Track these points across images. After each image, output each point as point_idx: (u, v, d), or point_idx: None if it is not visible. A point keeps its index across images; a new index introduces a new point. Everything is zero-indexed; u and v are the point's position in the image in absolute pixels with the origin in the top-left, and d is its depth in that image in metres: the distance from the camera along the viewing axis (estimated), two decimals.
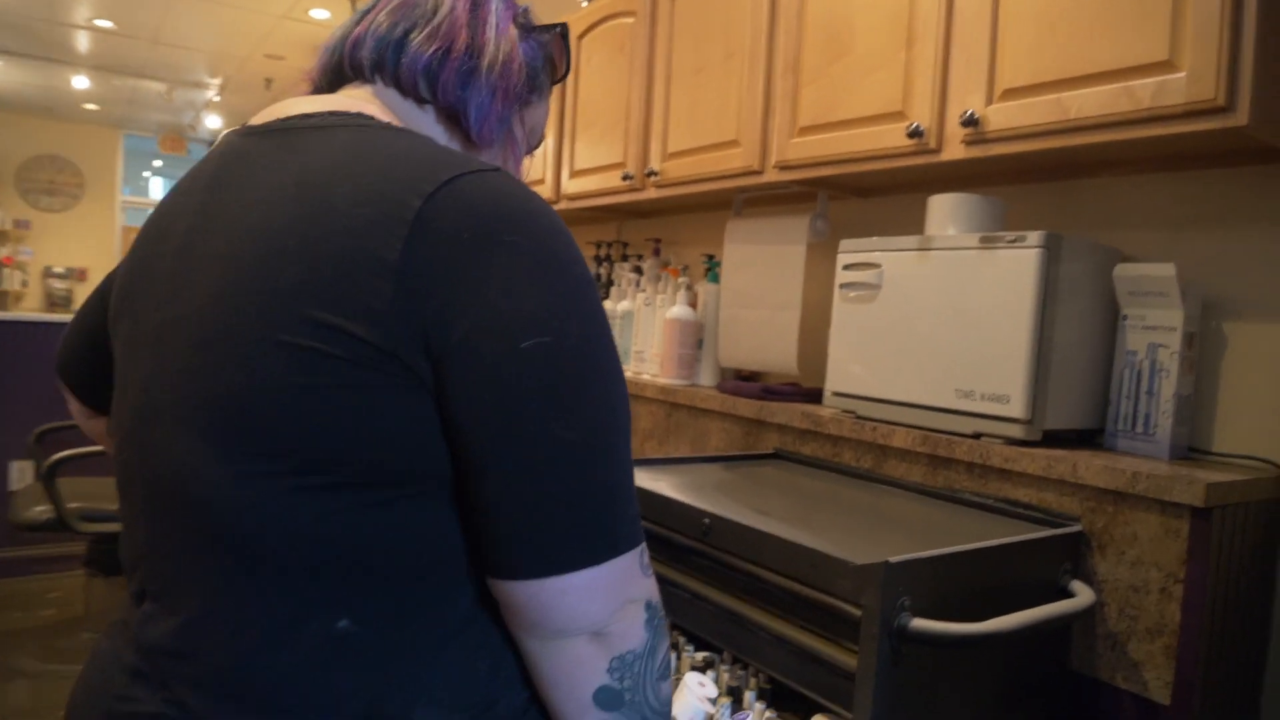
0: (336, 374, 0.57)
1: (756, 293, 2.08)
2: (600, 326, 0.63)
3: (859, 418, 1.64)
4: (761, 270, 2.07)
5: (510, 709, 0.65)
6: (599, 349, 0.62)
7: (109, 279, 0.86)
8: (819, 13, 1.71)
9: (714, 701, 1.16)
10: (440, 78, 0.75)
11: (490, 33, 0.77)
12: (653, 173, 2.17)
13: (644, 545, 0.65)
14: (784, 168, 1.81)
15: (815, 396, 1.93)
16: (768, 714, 1.17)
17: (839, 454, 1.67)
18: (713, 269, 2.27)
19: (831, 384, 1.70)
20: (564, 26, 0.86)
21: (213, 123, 8.57)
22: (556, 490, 0.59)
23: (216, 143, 0.74)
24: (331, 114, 0.69)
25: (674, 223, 2.64)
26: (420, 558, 0.61)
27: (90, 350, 0.86)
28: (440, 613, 0.63)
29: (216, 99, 7.59)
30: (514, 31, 0.80)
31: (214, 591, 0.61)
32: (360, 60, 0.76)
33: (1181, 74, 1.16)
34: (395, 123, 0.71)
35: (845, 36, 1.65)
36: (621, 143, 2.31)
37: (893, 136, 1.55)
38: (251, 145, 0.69)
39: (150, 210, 1.13)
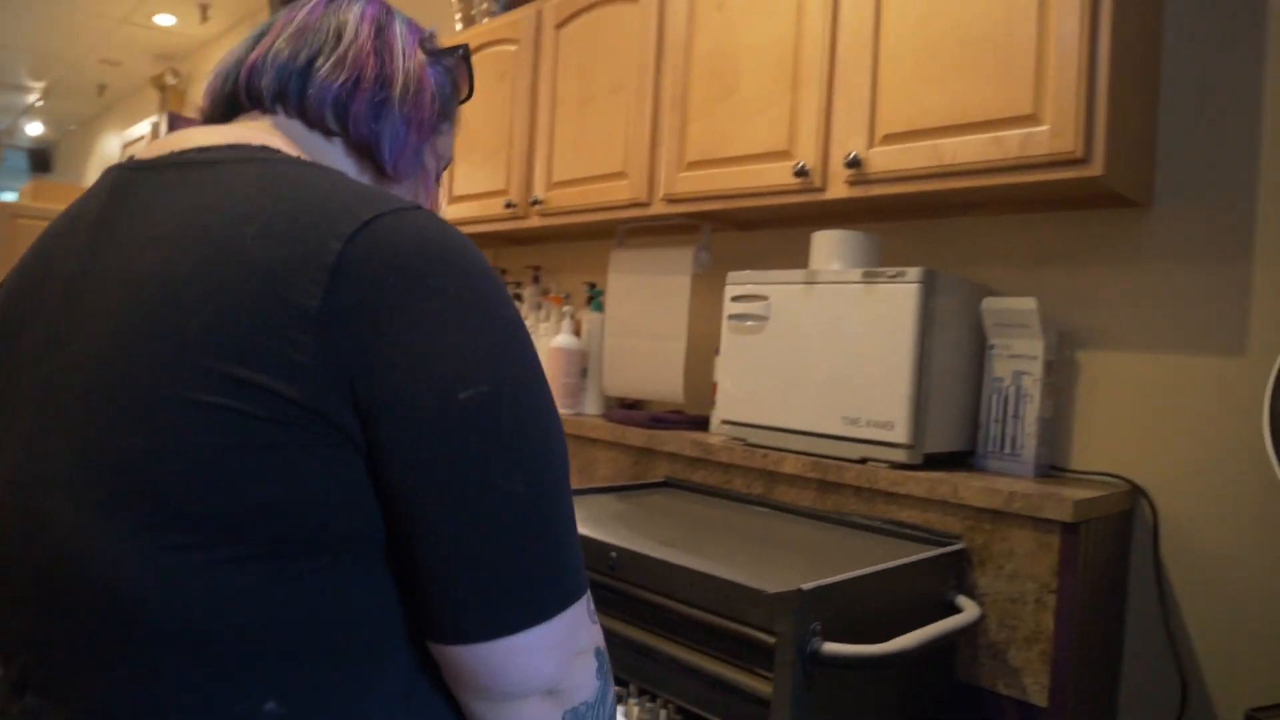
0: (255, 434, 0.52)
1: (641, 322, 2.11)
2: (535, 370, 0.60)
3: (749, 445, 1.69)
4: (646, 300, 2.10)
5: None
6: (536, 394, 0.59)
7: None
8: (705, 53, 1.77)
9: None
10: (351, 109, 0.71)
11: (399, 60, 0.74)
12: (537, 201, 2.17)
13: (588, 592, 0.63)
14: (672, 200, 1.85)
15: (701, 424, 1.97)
16: None
17: (730, 481, 1.71)
18: (595, 297, 2.29)
19: (721, 412, 1.75)
20: (466, 49, 0.84)
21: (33, 129, 7.92)
22: (504, 546, 0.56)
23: (100, 178, 0.67)
24: (232, 147, 0.64)
25: (553, 250, 2.65)
26: (353, 629, 0.57)
27: None
28: (377, 686, 0.58)
29: (39, 103, 7.02)
30: (421, 57, 0.77)
31: (121, 680, 0.54)
32: (259, 89, 0.71)
33: (1045, 127, 1.27)
34: (301, 156, 0.67)
35: (731, 77, 1.71)
36: (504, 170, 2.30)
37: (779, 174, 1.62)
38: (142, 180, 0.63)
39: None
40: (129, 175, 0.64)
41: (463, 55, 0.83)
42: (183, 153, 0.63)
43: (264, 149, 0.64)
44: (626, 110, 1.96)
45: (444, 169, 0.85)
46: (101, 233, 0.61)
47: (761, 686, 1.10)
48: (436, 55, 0.80)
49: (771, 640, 1.07)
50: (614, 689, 0.66)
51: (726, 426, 1.74)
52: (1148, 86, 1.43)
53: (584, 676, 0.62)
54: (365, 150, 0.74)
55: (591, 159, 2.05)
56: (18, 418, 0.59)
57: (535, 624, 0.57)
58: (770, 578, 1.14)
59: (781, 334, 1.63)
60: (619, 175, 1.97)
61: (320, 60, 0.71)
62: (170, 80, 6.17)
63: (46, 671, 0.57)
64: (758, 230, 2.08)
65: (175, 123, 3.94)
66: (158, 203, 0.60)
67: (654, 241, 2.24)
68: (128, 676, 0.54)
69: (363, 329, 0.53)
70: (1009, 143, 1.31)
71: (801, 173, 1.57)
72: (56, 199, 4.26)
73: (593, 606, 0.64)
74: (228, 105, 0.73)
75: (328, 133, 0.72)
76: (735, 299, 1.72)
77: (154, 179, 0.62)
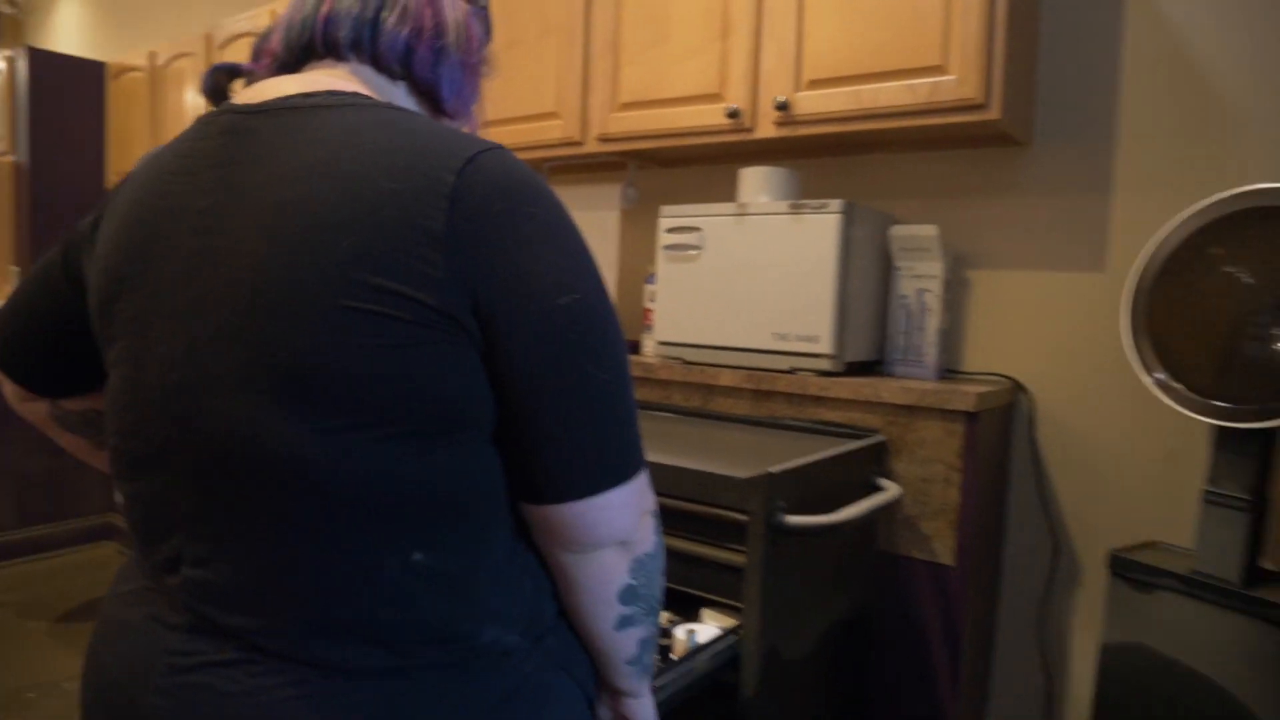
0: (401, 334, 0.62)
1: None
2: (602, 281, 0.71)
3: (686, 363, 1.88)
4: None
5: (547, 620, 0.75)
6: (607, 301, 0.71)
7: (46, 272, 0.84)
8: (636, 1, 1.89)
9: None
10: (415, 56, 0.80)
11: (449, 10, 0.83)
12: None
13: (647, 465, 0.78)
14: (606, 139, 1.98)
15: (634, 349, 2.14)
16: (665, 615, 1.37)
17: (669, 396, 1.89)
18: None
19: (658, 335, 1.92)
20: None
21: None
22: (598, 422, 0.68)
23: (205, 122, 0.74)
24: (330, 93, 0.72)
25: None
26: (475, 494, 0.68)
27: (36, 334, 0.84)
28: (493, 542, 0.70)
29: None
30: (464, 5, 0.86)
31: (293, 541, 0.65)
32: (335, 39, 0.79)
33: (952, 77, 1.48)
34: (379, 100, 0.75)
35: (663, 24, 1.84)
36: None
37: (712, 115, 1.78)
38: (259, 124, 0.70)
39: None
40: (242, 120, 0.72)
41: (485, 4, 0.92)
42: (288, 98, 0.72)
43: (356, 95, 0.72)
44: (557, 53, 2.06)
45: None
46: (231, 171, 0.69)
47: (736, 558, 1.30)
48: (474, 1, 0.89)
49: (745, 517, 1.27)
50: (664, 544, 0.81)
51: (664, 347, 1.91)
52: (1031, 38, 1.67)
53: (647, 532, 0.75)
54: (428, 92, 0.83)
55: (521, 100, 2.14)
56: (168, 332, 0.68)
57: (618, 484, 0.70)
58: (734, 469, 1.34)
59: (714, 261, 1.81)
60: (551, 115, 2.08)
61: (385, 12, 0.79)
62: (7, 10, 5.69)
63: (208, 546, 0.68)
64: (681, 167, 2.24)
65: (36, 57, 3.70)
66: (283, 143, 0.68)
67: (579, 179, 2.36)
68: (302, 538, 0.65)
69: (479, 247, 0.64)
70: (920, 89, 1.51)
71: (733, 114, 1.73)
72: None
73: (650, 475, 0.79)
74: (304, 52, 0.80)
75: (394, 77, 0.81)
76: (670, 230, 1.88)
77: (270, 122, 0.70)
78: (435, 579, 0.67)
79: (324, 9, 0.80)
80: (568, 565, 0.73)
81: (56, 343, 0.84)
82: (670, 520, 1.38)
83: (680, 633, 1.34)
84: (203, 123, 0.75)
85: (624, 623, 0.75)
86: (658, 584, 0.78)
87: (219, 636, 0.67)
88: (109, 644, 0.73)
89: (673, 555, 1.37)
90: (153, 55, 3.50)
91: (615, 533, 0.71)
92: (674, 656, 1.30)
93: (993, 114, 1.46)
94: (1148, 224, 1.64)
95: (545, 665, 0.74)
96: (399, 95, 0.82)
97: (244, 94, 0.76)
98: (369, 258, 0.62)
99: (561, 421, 0.67)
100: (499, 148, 0.70)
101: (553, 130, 2.07)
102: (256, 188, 0.67)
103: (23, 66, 3.71)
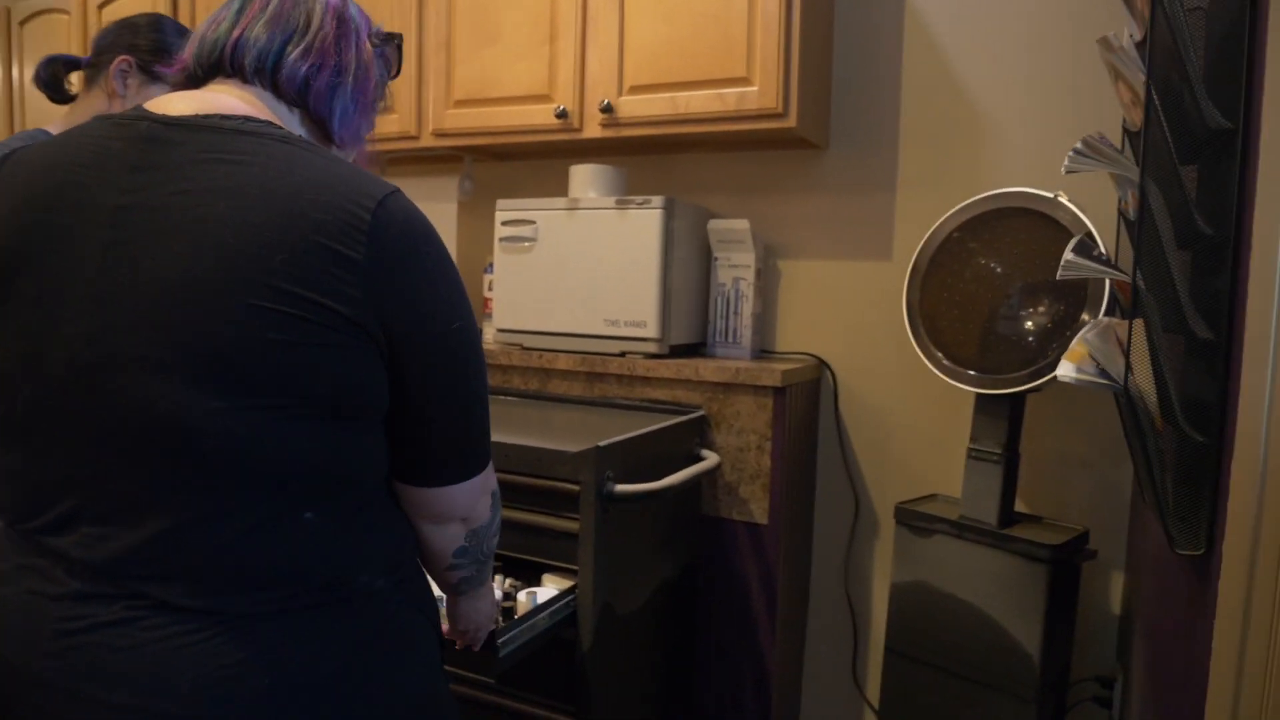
0: (317, 335, 0.73)
1: None
2: (471, 310, 0.86)
3: (525, 349, 1.99)
4: None
5: (407, 567, 0.90)
6: (475, 328, 0.86)
7: None
8: (467, 4, 1.97)
9: None
10: (312, 88, 0.89)
11: (353, 52, 0.92)
12: None
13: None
14: (441, 135, 2.05)
15: None
16: (508, 581, 1.49)
17: (509, 380, 2.00)
18: None
19: (497, 322, 2.02)
20: (399, 38, 1.02)
21: None
22: (466, 425, 0.85)
23: (115, 124, 0.80)
24: (247, 119, 0.81)
25: None
26: (362, 467, 0.81)
27: None
28: (371, 505, 0.84)
29: None
30: (369, 48, 0.95)
31: (198, 503, 0.73)
32: (242, 64, 0.87)
33: (755, 88, 1.65)
34: (276, 122, 0.85)
35: (494, 27, 1.93)
36: None
37: (541, 115, 1.89)
38: (179, 136, 0.78)
39: None
40: (161, 129, 0.78)
41: (397, 44, 1.01)
42: (207, 116, 0.79)
43: (267, 123, 0.81)
44: None
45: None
46: (149, 174, 0.76)
47: (571, 525, 1.42)
48: (380, 44, 0.97)
49: (576, 488, 1.40)
50: (499, 514, 0.98)
51: (503, 334, 2.01)
52: (825, 54, 1.87)
53: (484, 509, 0.94)
54: (320, 123, 0.91)
55: None
56: (78, 313, 0.74)
57: (473, 475, 0.88)
58: (568, 444, 1.46)
59: (548, 253, 1.93)
60: (386, 110, 2.13)
61: (291, 46, 0.87)
62: None
63: (107, 506, 0.74)
64: (514, 161, 2.33)
65: None
66: (206, 158, 0.76)
67: (416, 170, 2.41)
68: (207, 500, 0.74)
69: (389, 276, 0.76)
70: (729, 98, 1.68)
71: (561, 115, 1.85)
72: None
73: (492, 465, 0.94)
74: (212, 69, 0.88)
75: (291, 104, 0.89)
76: (506, 223, 1.98)
77: (191, 136, 0.78)
78: (322, 534, 0.78)
79: (235, 34, 0.87)
80: (424, 531, 0.91)
81: None
82: (512, 494, 1.49)
83: (523, 596, 1.46)
84: (113, 124, 0.80)
85: (452, 569, 0.97)
86: (486, 544, 0.98)
87: (104, 599, 0.73)
88: None
89: (514, 526, 1.48)
90: (8, 11, 3.23)
91: (462, 510, 0.90)
92: (516, 617, 1.41)
93: (790, 122, 1.65)
94: (925, 219, 1.89)
95: (405, 604, 0.88)
96: (294, 121, 0.89)
97: (156, 103, 0.82)
98: (296, 272, 0.73)
99: (439, 424, 0.84)
100: (397, 190, 0.81)
101: (390, 124, 2.12)
102: (182, 195, 0.75)
103: None
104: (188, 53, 0.90)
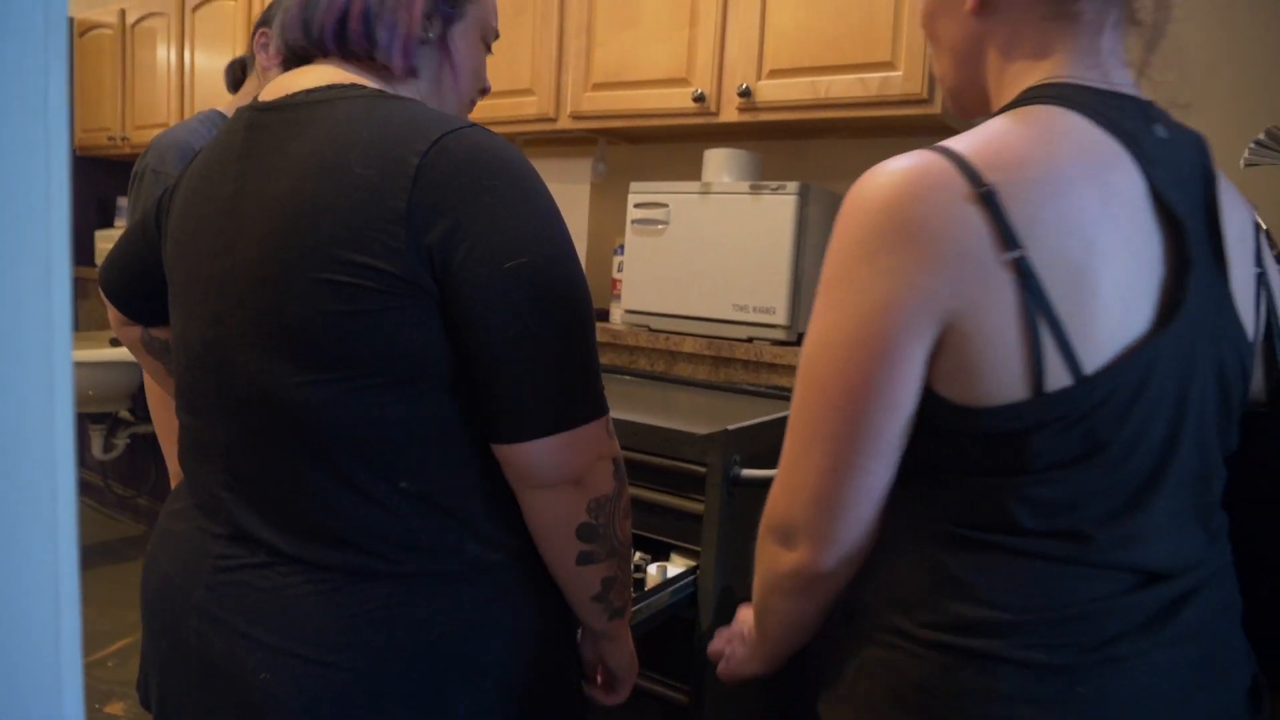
0: (372, 301, 0.73)
1: None
2: (566, 247, 0.78)
3: (652, 330, 2.01)
4: None
5: (526, 543, 0.85)
6: (564, 265, 0.77)
7: (144, 220, 0.97)
8: None
9: None
10: (348, 30, 0.84)
11: None
12: None
13: (609, 415, 0.82)
14: (578, 117, 2.09)
15: (602, 316, 2.27)
16: (638, 554, 1.52)
17: (634, 361, 2.03)
18: None
19: (625, 304, 2.05)
20: None
21: None
22: (541, 374, 0.76)
23: (236, 118, 0.86)
24: (330, 87, 0.82)
25: None
26: (451, 434, 0.79)
27: (133, 273, 0.99)
28: (472, 476, 0.81)
29: None
30: None
31: (300, 469, 0.78)
32: (323, 39, 0.85)
33: (899, 72, 1.61)
34: (374, 85, 0.83)
35: (633, 10, 1.95)
36: None
37: (679, 99, 1.90)
38: (270, 120, 0.82)
39: None
40: (259, 116, 0.83)
41: None
42: (294, 95, 0.82)
43: (353, 85, 0.82)
44: (532, 32, 2.15)
45: (489, 42, 0.95)
46: (247, 162, 0.81)
47: (695, 506, 1.44)
48: None
49: (703, 470, 1.41)
50: (627, 491, 0.88)
51: (630, 315, 2.04)
52: None
53: (604, 475, 0.83)
54: (371, 58, 0.84)
55: (495, 76, 2.23)
56: (205, 296, 0.82)
57: (564, 429, 0.77)
58: (695, 427, 1.48)
59: (680, 236, 1.94)
60: (526, 92, 2.18)
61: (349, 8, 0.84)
62: None
63: (241, 470, 0.82)
64: (648, 143, 2.35)
65: None
66: (286, 136, 0.80)
67: (551, 152, 2.47)
68: (309, 466, 0.78)
69: (437, 219, 0.72)
70: (871, 83, 1.65)
71: (699, 98, 1.85)
72: None
73: (611, 427, 0.84)
74: (303, 50, 0.87)
75: (356, 60, 0.84)
76: (638, 205, 2.00)
77: (279, 118, 0.81)
78: (421, 502, 0.79)
79: (319, 15, 0.85)
80: (529, 499, 0.82)
81: (148, 279, 0.96)
82: (638, 473, 1.52)
83: (653, 569, 1.49)
84: (234, 118, 0.87)
85: (584, 558, 0.84)
86: (619, 526, 0.85)
87: (251, 543, 0.80)
88: (165, 549, 0.87)
89: (640, 505, 1.51)
90: (123, 13, 3.50)
91: (567, 472, 0.79)
92: (647, 589, 1.43)
93: (935, 108, 1.60)
94: None
95: (524, 580, 0.86)
96: (373, 80, 0.86)
97: (265, 90, 0.87)
98: (344, 235, 0.73)
99: (504, 373, 0.76)
100: (471, 127, 0.78)
101: (528, 106, 2.17)
102: (263, 177, 0.79)
103: None
104: (278, 40, 0.91)
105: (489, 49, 0.97)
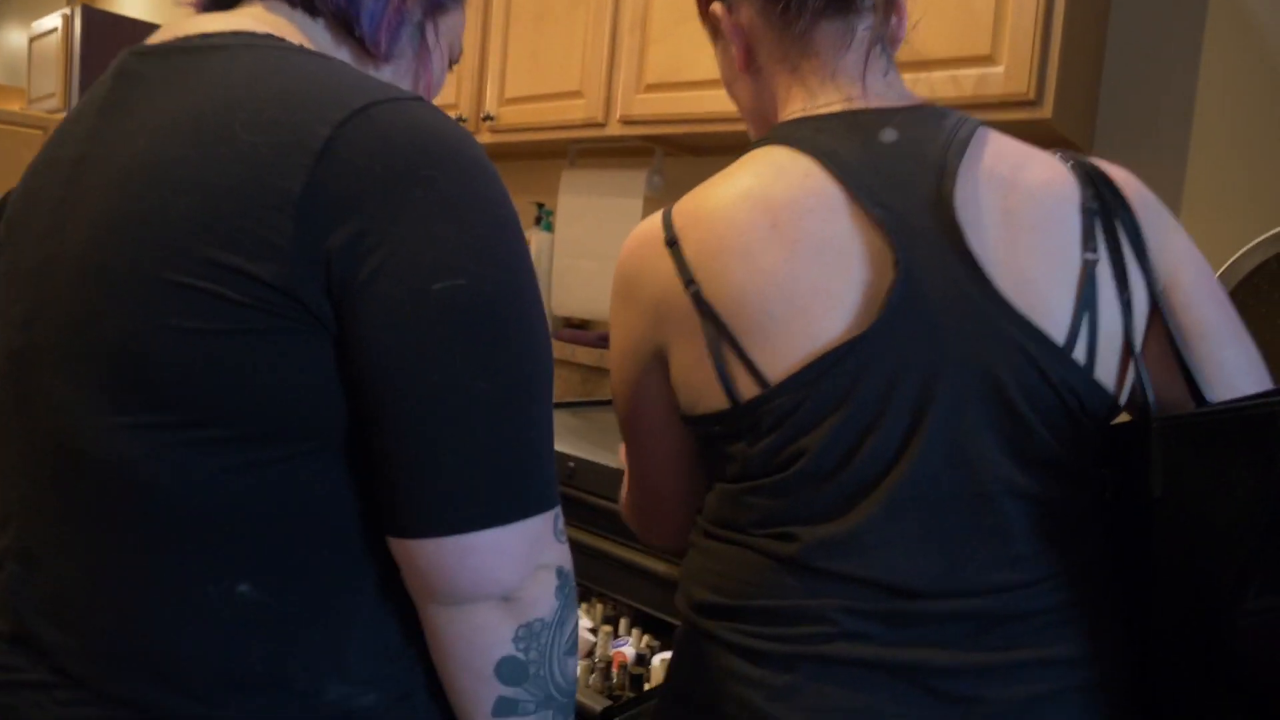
0: (228, 318, 0.52)
1: (592, 243, 2.13)
2: (522, 272, 0.58)
3: None
4: (597, 221, 2.12)
5: (420, 679, 0.62)
6: (518, 295, 0.57)
7: None
8: None
9: (595, 631, 1.23)
10: None
11: None
12: (489, 117, 2.14)
13: (558, 509, 0.61)
14: (628, 122, 1.86)
15: None
16: (645, 638, 1.25)
17: None
18: (545, 218, 2.29)
19: None
20: None
21: None
22: (463, 443, 0.55)
23: (113, 64, 0.65)
24: (235, 34, 0.61)
25: (501, 170, 2.62)
26: (325, 520, 0.57)
27: None
28: (352, 580, 0.59)
29: None
30: None
31: (107, 550, 0.56)
32: None
33: (1000, 68, 1.32)
34: (305, 43, 0.64)
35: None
36: (453, 83, 2.26)
37: None
38: (146, 68, 0.61)
39: None
40: (135, 61, 0.62)
41: None
42: (186, 39, 0.61)
43: (268, 36, 0.62)
44: (585, 28, 1.94)
45: (455, 58, 0.81)
46: (104, 118, 0.60)
47: None
48: None
49: None
50: (576, 615, 0.64)
51: None
52: (1096, 35, 1.50)
53: (543, 591, 0.59)
54: (344, 24, 0.68)
55: (546, 76, 2.03)
56: (20, 293, 0.60)
57: (491, 525, 0.55)
58: None
59: None
60: (575, 94, 1.96)
61: None
62: None
63: (31, 542, 0.59)
64: (709, 156, 2.10)
65: (90, 16, 3.70)
66: (157, 89, 0.59)
67: (605, 163, 2.25)
68: (116, 548, 0.56)
69: (343, 214, 0.52)
70: (965, 81, 1.36)
71: None
72: None
73: (561, 525, 0.62)
74: None
75: (312, 11, 0.67)
76: None
77: (157, 65, 0.61)
78: (265, 618, 0.56)
79: None
80: (434, 620, 0.59)
81: None
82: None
83: (657, 662, 1.23)
84: (114, 63, 0.65)
85: (504, 708, 0.59)
86: (561, 664, 0.61)
87: (34, 652, 0.57)
88: None
89: (649, 578, 1.25)
90: None
91: (491, 585, 0.56)
92: (648, 687, 1.18)
93: (1044, 112, 1.30)
94: (1222, 247, 1.46)
95: None
96: (316, 32, 0.68)
97: (158, 32, 0.66)
98: (204, 224, 0.52)
99: (415, 439, 0.54)
100: (414, 99, 0.58)
101: (576, 110, 1.95)
102: (118, 139, 0.58)
103: (78, 26, 3.71)
104: None
105: (442, 66, 0.79)
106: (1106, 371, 0.70)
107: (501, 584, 0.57)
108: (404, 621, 0.61)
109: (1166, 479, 0.67)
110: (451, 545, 0.55)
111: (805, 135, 0.73)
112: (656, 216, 0.77)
